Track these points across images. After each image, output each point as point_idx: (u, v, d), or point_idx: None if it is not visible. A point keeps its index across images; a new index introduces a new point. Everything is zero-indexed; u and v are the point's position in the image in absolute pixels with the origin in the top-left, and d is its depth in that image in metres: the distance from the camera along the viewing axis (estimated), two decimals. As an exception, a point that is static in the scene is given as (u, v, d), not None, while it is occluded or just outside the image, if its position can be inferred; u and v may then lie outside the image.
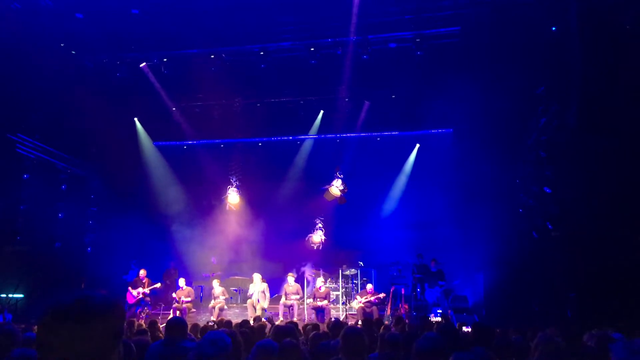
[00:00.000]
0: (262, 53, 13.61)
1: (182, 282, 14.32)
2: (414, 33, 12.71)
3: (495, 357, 4.67)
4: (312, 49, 13.42)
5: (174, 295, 14.08)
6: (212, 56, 13.79)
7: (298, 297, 13.78)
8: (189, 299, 13.89)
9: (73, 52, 13.27)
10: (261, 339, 6.62)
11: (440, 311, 13.23)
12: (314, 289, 14.22)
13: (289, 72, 14.20)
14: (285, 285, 13.98)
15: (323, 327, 9.10)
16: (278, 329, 5.72)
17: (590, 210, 10.87)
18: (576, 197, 11.33)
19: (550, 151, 12.66)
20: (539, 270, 12.25)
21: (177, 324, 4.79)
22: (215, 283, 14.33)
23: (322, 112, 16.72)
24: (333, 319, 9.55)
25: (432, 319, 11.15)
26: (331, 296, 14.47)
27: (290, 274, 14.41)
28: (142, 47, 13.58)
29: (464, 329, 8.94)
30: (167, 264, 16.72)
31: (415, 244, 15.71)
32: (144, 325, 8.95)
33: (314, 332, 6.53)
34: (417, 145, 17.24)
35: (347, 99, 15.65)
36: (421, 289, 14.61)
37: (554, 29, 11.84)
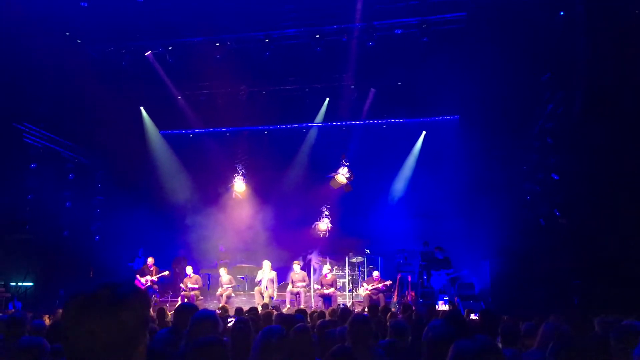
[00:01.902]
0: (267, 40, 13.55)
1: (189, 269, 14.41)
2: (420, 19, 12.62)
3: (500, 343, 4.70)
4: (317, 36, 13.35)
5: (181, 285, 14.16)
6: (217, 44, 13.75)
7: (304, 284, 13.85)
8: (197, 286, 14.00)
9: (78, 41, 13.27)
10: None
11: (447, 298, 13.26)
12: (320, 277, 14.29)
13: (294, 60, 14.15)
14: (292, 273, 14.05)
15: (327, 314, 9.14)
16: (282, 318, 5.76)
17: (596, 197, 10.83)
18: (583, 184, 11.29)
19: (556, 138, 12.59)
20: (546, 258, 12.23)
21: (186, 310, 4.80)
22: (223, 271, 14.44)
23: (327, 99, 16.66)
24: (341, 306, 9.61)
25: (439, 307, 11.19)
26: (338, 284, 14.52)
27: (296, 261, 14.48)
28: (147, 36, 13.56)
29: (472, 316, 8.96)
30: (174, 252, 16.81)
31: (421, 232, 15.67)
32: (152, 312, 9.02)
33: (320, 319, 6.56)
34: (424, 133, 17.16)
35: (352, 86, 15.57)
36: (427, 277, 14.63)
37: (561, 13, 11.71)
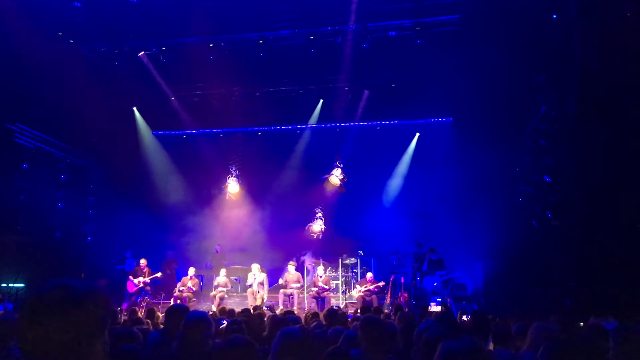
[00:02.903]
0: (261, 41, 13.53)
1: (192, 271, 14.29)
2: (414, 21, 12.64)
3: (492, 345, 4.70)
4: (312, 38, 13.35)
5: (181, 287, 14.01)
6: (211, 45, 13.72)
7: (298, 285, 13.85)
8: (194, 288, 13.96)
9: (71, 41, 13.20)
10: (259, 327, 6.65)
11: (440, 299, 13.28)
12: (314, 278, 14.27)
13: (288, 61, 14.13)
14: (286, 274, 14.04)
15: (321, 316, 9.13)
16: (276, 320, 5.73)
17: (589, 198, 10.87)
18: (576, 186, 11.33)
19: (550, 140, 12.64)
20: (539, 259, 12.27)
21: (177, 312, 4.75)
22: (222, 272, 14.38)
23: (321, 101, 16.67)
24: (334, 307, 9.58)
25: (431, 308, 11.20)
26: (331, 285, 14.52)
27: (291, 262, 14.48)
28: (141, 36, 13.52)
29: (464, 317, 8.97)
30: (166, 254, 16.75)
31: (415, 233, 15.71)
32: (142, 314, 8.99)
33: (314, 321, 6.55)
34: (417, 134, 17.21)
35: (346, 88, 15.59)
36: (420, 278, 14.64)
37: (554, 16, 11.76)
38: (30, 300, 1.44)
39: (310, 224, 16.24)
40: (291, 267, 14.18)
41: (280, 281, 14.27)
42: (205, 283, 15.88)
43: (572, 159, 11.50)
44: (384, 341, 4.02)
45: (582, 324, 5.68)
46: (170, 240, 17.05)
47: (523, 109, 13.76)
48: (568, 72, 11.60)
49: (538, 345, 3.65)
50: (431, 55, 13.06)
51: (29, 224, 13.65)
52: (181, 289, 13.83)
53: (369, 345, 3.93)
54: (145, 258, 14.73)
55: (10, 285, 13.54)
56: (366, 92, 15.79)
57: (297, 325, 4.06)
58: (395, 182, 17.34)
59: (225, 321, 6.33)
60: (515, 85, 12.96)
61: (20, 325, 1.43)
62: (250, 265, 14.40)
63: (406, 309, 10.11)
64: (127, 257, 15.80)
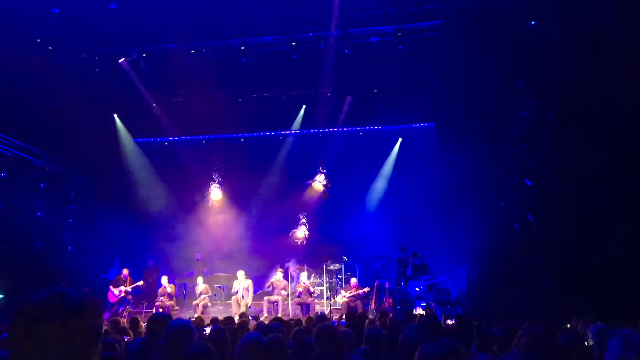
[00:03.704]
0: (243, 48, 13.49)
1: (164, 280, 14.21)
2: (395, 27, 12.71)
3: (469, 347, 4.71)
4: (294, 44, 13.34)
5: (160, 297, 13.87)
6: (193, 51, 13.65)
7: (285, 293, 13.83)
8: (169, 290, 13.88)
9: (50, 48, 13.03)
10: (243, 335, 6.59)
11: (424, 304, 13.31)
12: (297, 285, 14.22)
13: (270, 67, 14.09)
14: (274, 280, 13.96)
15: (304, 321, 9.09)
16: (261, 328, 5.69)
17: (570, 202, 10.98)
18: (557, 190, 11.44)
19: (530, 144, 12.77)
20: (521, 263, 12.36)
21: (159, 320, 4.69)
22: (200, 280, 14.31)
23: (304, 107, 16.67)
24: (319, 314, 9.55)
25: (416, 312, 11.22)
26: (316, 291, 14.48)
27: (279, 269, 14.44)
28: (121, 43, 13.38)
29: (448, 321, 8.99)
30: (148, 262, 16.55)
31: (398, 238, 15.76)
32: (124, 323, 8.86)
33: (296, 328, 6.51)
34: (400, 140, 17.30)
35: (329, 94, 15.62)
36: (404, 283, 14.67)
37: (533, 22, 11.92)
38: (23, 308, 1.36)
39: (294, 230, 16.19)
40: (279, 273, 14.14)
41: (267, 285, 14.21)
42: (188, 292, 15.72)
43: (553, 163, 11.62)
44: (338, 347, 4.04)
45: (569, 325, 5.72)
46: (152, 248, 16.84)
47: (504, 114, 13.90)
48: (547, 78, 11.74)
49: (523, 348, 3.67)
50: (413, 61, 13.15)
51: (7, 233, 13.38)
52: (161, 298, 13.70)
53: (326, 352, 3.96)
54: (127, 267, 14.60)
55: (-11, 295, 13.28)
56: (349, 97, 15.82)
57: (274, 334, 4.04)
58: (379, 187, 17.39)
59: (207, 329, 6.26)
60: (496, 90, 13.10)
61: (11, 336, 1.35)
62: (234, 272, 14.33)
63: (391, 314, 10.10)
64: (114, 265, 15.60)
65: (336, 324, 9.17)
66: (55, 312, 1.35)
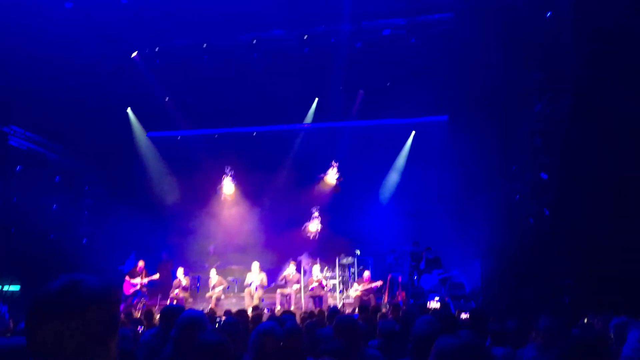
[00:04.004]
0: (254, 42, 13.48)
1: (180, 272, 14.31)
2: (408, 20, 12.61)
3: (484, 341, 4.67)
4: (305, 37, 13.30)
5: (175, 290, 13.98)
6: (205, 45, 13.66)
7: (298, 286, 13.85)
8: (184, 282, 13.98)
9: (64, 42, 13.08)
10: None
11: (438, 298, 13.25)
12: (310, 278, 14.24)
13: (282, 61, 14.08)
14: (287, 274, 14.00)
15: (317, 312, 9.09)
16: (275, 320, 5.69)
17: (587, 196, 10.85)
18: (572, 184, 11.30)
19: (545, 138, 12.61)
20: (536, 257, 12.24)
21: (173, 312, 4.70)
22: (213, 272, 14.39)
23: (316, 100, 16.63)
24: (331, 307, 9.56)
25: (430, 305, 11.18)
26: (328, 285, 14.48)
27: (292, 262, 14.46)
28: (134, 37, 13.42)
29: (463, 315, 8.94)
30: (162, 255, 16.66)
31: (411, 232, 15.67)
32: (138, 315, 8.93)
33: (308, 319, 6.52)
34: (413, 133, 17.19)
35: (341, 88, 15.53)
36: (418, 277, 14.60)
37: (548, 14, 11.75)
38: (38, 303, 1.34)
39: (306, 223, 16.20)
40: (292, 266, 14.19)
41: (280, 279, 14.25)
42: (201, 284, 15.81)
43: (569, 157, 11.47)
44: (357, 339, 4.01)
45: (585, 320, 5.66)
46: (166, 241, 16.97)
47: (518, 107, 13.75)
48: (563, 71, 11.57)
49: (542, 342, 3.63)
50: (425, 53, 13.05)
51: (23, 226, 13.53)
52: (176, 291, 13.80)
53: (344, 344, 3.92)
54: (143, 260, 14.73)
55: (5, 288, 13.45)
56: (361, 91, 15.75)
57: (281, 322, 4.02)
58: (391, 181, 17.31)
59: (220, 319, 6.28)
60: (510, 83, 12.94)
61: (28, 331, 1.33)
62: (247, 265, 14.40)
63: (403, 308, 10.07)
64: (131, 258, 15.73)
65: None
66: (73, 301, 1.33)
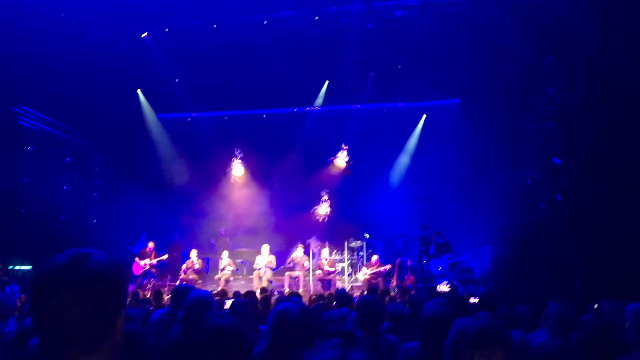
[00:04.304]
0: (265, 22, 13.35)
1: (193, 253, 14.39)
2: (420, 1, 12.40)
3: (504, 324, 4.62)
4: (317, 18, 13.15)
5: (185, 269, 14.07)
6: (215, 26, 13.54)
7: (306, 267, 13.89)
8: (197, 266, 14.05)
9: (73, 23, 13.04)
10: (266, 309, 6.61)
11: (447, 282, 13.22)
12: (319, 261, 14.26)
13: (292, 43, 13.93)
14: (294, 256, 14.03)
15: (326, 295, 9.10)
16: (283, 300, 5.68)
17: (600, 181, 10.71)
18: (585, 168, 11.16)
19: (558, 121, 12.43)
20: (547, 243, 12.14)
21: (182, 291, 4.69)
22: (225, 254, 14.46)
23: (327, 83, 16.49)
24: (339, 289, 9.56)
25: (439, 288, 11.15)
26: (337, 268, 14.49)
27: (299, 245, 14.48)
28: (143, 18, 13.34)
29: (471, 299, 8.91)
30: (172, 236, 16.76)
31: (421, 216, 15.60)
32: (148, 295, 8.98)
33: (317, 302, 6.50)
34: (424, 116, 17.03)
35: (352, 70, 15.33)
36: (427, 261, 14.57)
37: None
38: (45, 271, 1.31)
39: (315, 207, 16.19)
40: (300, 249, 14.21)
41: (288, 261, 14.28)
42: (210, 266, 15.90)
43: (582, 141, 11.31)
44: (380, 321, 3.98)
45: (596, 306, 5.59)
46: (176, 223, 17.07)
47: (531, 90, 13.54)
48: (576, 53, 11.36)
49: (553, 326, 3.57)
50: (438, 35, 12.83)
51: (34, 207, 13.62)
52: (186, 270, 13.89)
53: (366, 327, 3.89)
54: (153, 241, 14.82)
55: (17, 267, 13.59)
56: (372, 73, 15.58)
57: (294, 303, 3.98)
58: (402, 165, 17.20)
59: (228, 301, 6.28)
60: (523, 65, 12.73)
61: (34, 298, 1.30)
62: (256, 248, 14.45)
63: (412, 292, 10.05)
64: (141, 239, 15.84)
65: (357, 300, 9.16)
66: (77, 275, 1.30)
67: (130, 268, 14.25)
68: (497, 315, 4.94)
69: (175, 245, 16.37)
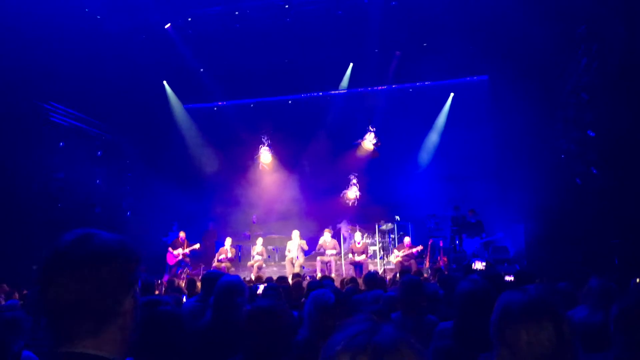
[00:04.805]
0: (287, 6, 13.22)
1: (228, 241, 14.53)
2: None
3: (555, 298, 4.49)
4: (338, -1, 12.97)
5: (219, 257, 14.21)
6: (237, 12, 13.48)
7: (335, 252, 13.85)
8: (230, 254, 14.20)
9: (98, 17, 13.16)
10: (298, 292, 6.60)
11: (481, 260, 13.03)
12: (351, 245, 14.23)
13: (315, 25, 13.78)
14: (322, 242, 14.02)
15: (361, 282, 9.06)
16: (312, 284, 5.66)
17: (636, 153, 10.36)
18: (620, 141, 10.80)
19: (592, 93, 12.03)
20: (583, 218, 11.83)
21: (213, 277, 4.70)
22: (259, 241, 14.59)
23: (351, 65, 16.30)
24: (370, 272, 9.50)
25: (475, 266, 10.98)
26: (369, 251, 14.43)
27: (327, 230, 14.45)
28: (165, 8, 13.37)
29: (506, 278, 8.73)
30: (205, 225, 16.94)
31: (451, 196, 15.38)
32: (182, 284, 9.08)
33: (349, 285, 6.47)
34: (452, 95, 16.71)
35: (376, 50, 15.11)
36: (459, 241, 14.37)
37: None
38: (52, 253, 1.32)
39: (344, 190, 16.13)
40: (327, 234, 14.19)
41: (318, 248, 14.29)
42: (243, 253, 16.02)
43: (616, 113, 10.93)
44: (422, 302, 3.91)
45: (638, 280, 5.41)
46: (208, 211, 17.26)
47: (563, 63, 13.13)
48: (610, 21, 10.94)
49: (594, 302, 3.45)
50: (464, 10, 12.51)
51: (68, 201, 13.89)
52: (220, 258, 14.03)
53: (407, 307, 3.82)
54: (184, 230, 14.99)
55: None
56: (397, 53, 15.32)
57: (328, 288, 3.95)
58: (430, 145, 16.96)
59: (260, 285, 6.30)
60: (554, 36, 12.32)
61: (41, 278, 1.31)
62: (287, 234, 14.50)
63: (446, 272, 9.92)
64: (173, 229, 16.07)
65: (389, 282, 9.09)
66: (84, 254, 1.30)
67: (165, 259, 14.48)
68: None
69: (208, 233, 16.56)
